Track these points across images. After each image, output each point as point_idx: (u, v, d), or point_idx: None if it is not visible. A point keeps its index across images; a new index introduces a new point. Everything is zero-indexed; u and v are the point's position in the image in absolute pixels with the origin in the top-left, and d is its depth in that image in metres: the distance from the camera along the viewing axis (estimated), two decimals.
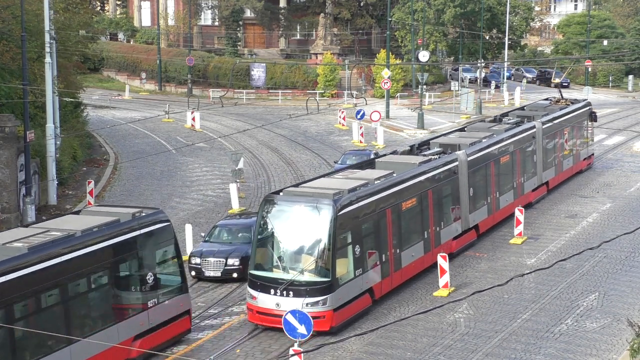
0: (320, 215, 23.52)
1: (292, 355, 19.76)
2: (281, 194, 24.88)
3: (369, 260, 25.05)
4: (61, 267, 19.28)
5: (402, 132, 57.86)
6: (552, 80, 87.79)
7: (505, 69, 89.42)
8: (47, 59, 38.11)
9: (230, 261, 27.67)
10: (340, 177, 27.05)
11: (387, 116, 62.32)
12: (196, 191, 40.69)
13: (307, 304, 22.98)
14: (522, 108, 46.42)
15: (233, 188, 37.18)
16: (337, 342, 20.90)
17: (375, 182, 26.33)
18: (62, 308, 19.39)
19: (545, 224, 35.08)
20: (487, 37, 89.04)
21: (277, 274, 23.64)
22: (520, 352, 22.30)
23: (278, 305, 23.12)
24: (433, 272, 27.62)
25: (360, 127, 53.20)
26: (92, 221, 21.24)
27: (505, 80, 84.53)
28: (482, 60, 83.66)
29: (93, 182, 38.46)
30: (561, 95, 46.70)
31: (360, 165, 30.46)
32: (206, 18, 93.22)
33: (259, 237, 24.34)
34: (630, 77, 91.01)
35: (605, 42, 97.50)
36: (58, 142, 39.59)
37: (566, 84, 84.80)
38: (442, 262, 26.57)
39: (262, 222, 24.26)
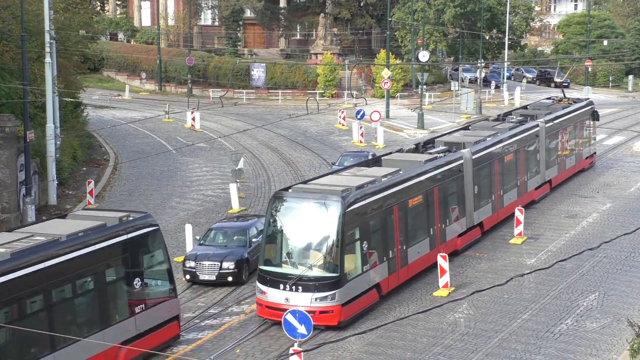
0: (329, 211, 23.89)
1: (292, 355, 19.77)
2: (290, 190, 25.24)
3: (376, 256, 25.39)
4: (45, 273, 18.74)
5: (402, 132, 57.85)
6: (553, 80, 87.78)
7: (505, 69, 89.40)
8: (47, 59, 38.11)
9: (225, 265, 27.30)
10: (348, 175, 27.54)
11: (387, 116, 62.32)
12: (196, 191, 40.69)
13: (315, 299, 23.37)
14: (525, 107, 46.63)
15: (233, 188, 37.18)
16: (337, 341, 20.91)
17: (383, 180, 26.70)
18: (46, 314, 18.89)
19: (545, 224, 35.08)
20: (487, 37, 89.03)
21: (286, 269, 24.04)
22: (520, 352, 22.30)
23: (287, 300, 23.48)
24: (433, 272, 27.64)
25: (360, 127, 53.20)
26: (77, 225, 20.82)
27: (505, 80, 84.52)
28: (482, 60, 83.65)
29: (93, 182, 38.47)
30: (564, 94, 46.87)
31: (367, 163, 30.96)
32: (206, 18, 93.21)
33: (268, 233, 24.72)
34: (630, 77, 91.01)
35: (605, 42, 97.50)
36: (58, 142, 39.58)
37: (566, 84, 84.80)
38: (442, 262, 26.63)
39: (271, 218, 24.63)
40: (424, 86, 67.60)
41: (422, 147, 33.38)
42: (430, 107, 69.48)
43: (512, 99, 72.66)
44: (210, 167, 46.33)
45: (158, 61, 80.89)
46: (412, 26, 78.49)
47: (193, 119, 58.88)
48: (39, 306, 18.93)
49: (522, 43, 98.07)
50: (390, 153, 32.81)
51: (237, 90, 76.07)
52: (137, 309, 21.37)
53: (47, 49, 38.09)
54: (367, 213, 25.11)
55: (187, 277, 27.58)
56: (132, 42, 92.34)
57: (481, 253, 31.18)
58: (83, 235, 20.33)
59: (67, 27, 45.66)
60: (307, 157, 48.97)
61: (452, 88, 73.19)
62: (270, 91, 76.80)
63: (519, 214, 32.56)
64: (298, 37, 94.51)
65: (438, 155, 31.19)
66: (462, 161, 31.44)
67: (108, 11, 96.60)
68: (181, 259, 28.68)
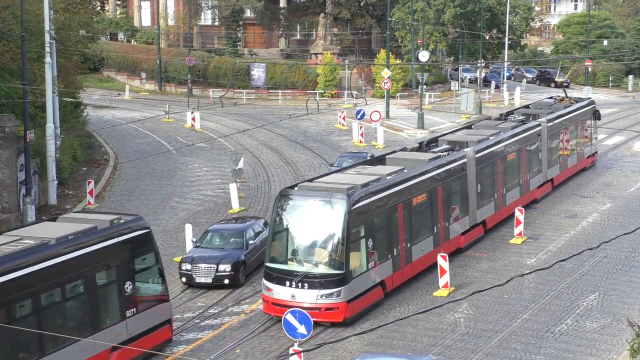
0: (334, 209, 24.11)
1: (292, 355, 19.77)
2: (296, 188, 25.44)
3: (381, 253, 25.61)
4: (34, 276, 18.50)
5: (402, 132, 57.84)
6: (553, 80, 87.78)
7: (505, 69, 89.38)
8: (47, 59, 38.12)
9: (221, 267, 27.06)
10: (353, 173, 27.85)
11: (387, 116, 62.30)
12: (196, 191, 40.68)
13: (321, 296, 23.61)
14: (526, 106, 46.81)
15: (233, 188, 37.17)
16: (337, 341, 20.91)
17: (387, 178, 26.91)
18: (35, 319, 18.62)
19: (545, 224, 35.09)
20: (487, 37, 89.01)
21: (292, 266, 24.27)
22: (520, 352, 22.31)
23: (293, 296, 23.73)
24: (433, 272, 27.65)
25: (360, 127, 53.19)
26: (67, 229, 20.59)
27: (505, 80, 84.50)
28: (482, 60, 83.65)
29: (93, 182, 38.47)
30: (565, 93, 46.99)
31: (372, 162, 31.21)
32: (206, 18, 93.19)
33: (274, 230, 24.90)
34: (630, 77, 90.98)
35: (605, 42, 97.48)
36: (58, 142, 39.58)
37: (566, 84, 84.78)
38: (442, 262, 26.70)
39: (277, 216, 24.84)
40: (424, 86, 67.59)
41: (425, 146, 33.61)
42: (430, 107, 69.47)
43: (512, 99, 72.65)
44: (210, 167, 46.32)
45: (158, 61, 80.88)
46: (412, 26, 78.48)
47: (193, 119, 58.87)
48: (27, 310, 18.70)
49: (522, 43, 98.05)
50: (395, 152, 33.03)
51: (237, 90, 76.05)
52: (128, 313, 21.14)
53: (47, 49, 38.10)
54: (372, 211, 25.34)
55: (184, 279, 27.30)
56: (132, 42, 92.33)
57: (481, 253, 31.19)
58: (73, 238, 20.09)
59: (67, 27, 45.66)
60: (307, 157, 48.96)
61: (452, 88, 73.17)
62: (270, 91, 76.79)
63: (519, 214, 32.62)
64: (298, 37, 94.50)
65: (442, 154, 31.41)
66: (465, 160, 31.65)
67: (108, 11, 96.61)
68: (177, 259, 28.60)
